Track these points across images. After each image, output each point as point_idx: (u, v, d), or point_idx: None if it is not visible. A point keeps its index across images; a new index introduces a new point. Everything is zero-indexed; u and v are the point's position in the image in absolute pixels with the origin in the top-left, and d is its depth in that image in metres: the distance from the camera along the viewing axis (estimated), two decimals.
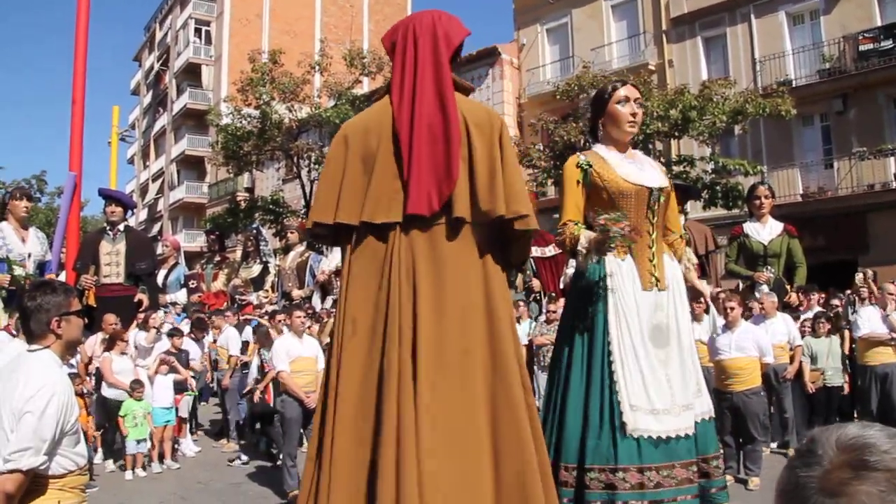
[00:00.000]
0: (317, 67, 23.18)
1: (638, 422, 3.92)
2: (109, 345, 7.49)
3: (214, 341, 9.39)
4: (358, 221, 3.11)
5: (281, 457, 6.62)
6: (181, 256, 12.27)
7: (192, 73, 46.29)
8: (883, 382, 7.94)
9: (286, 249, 10.78)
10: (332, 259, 10.04)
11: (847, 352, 8.63)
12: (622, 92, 4.35)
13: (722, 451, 4.23)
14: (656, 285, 4.19)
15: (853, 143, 20.96)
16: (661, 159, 20.36)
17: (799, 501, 1.08)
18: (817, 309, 8.95)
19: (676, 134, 19.16)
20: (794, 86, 21.13)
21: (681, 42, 24.39)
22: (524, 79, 28.10)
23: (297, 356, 6.55)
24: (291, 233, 10.63)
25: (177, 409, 7.97)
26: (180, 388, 8.13)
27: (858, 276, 11.96)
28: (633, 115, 4.32)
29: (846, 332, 8.68)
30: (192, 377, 8.54)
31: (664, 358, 4.10)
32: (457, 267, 3.05)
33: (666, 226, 4.40)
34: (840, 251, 19.94)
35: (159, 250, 12.35)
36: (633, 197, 4.19)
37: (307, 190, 23.42)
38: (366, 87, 29.04)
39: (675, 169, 19.45)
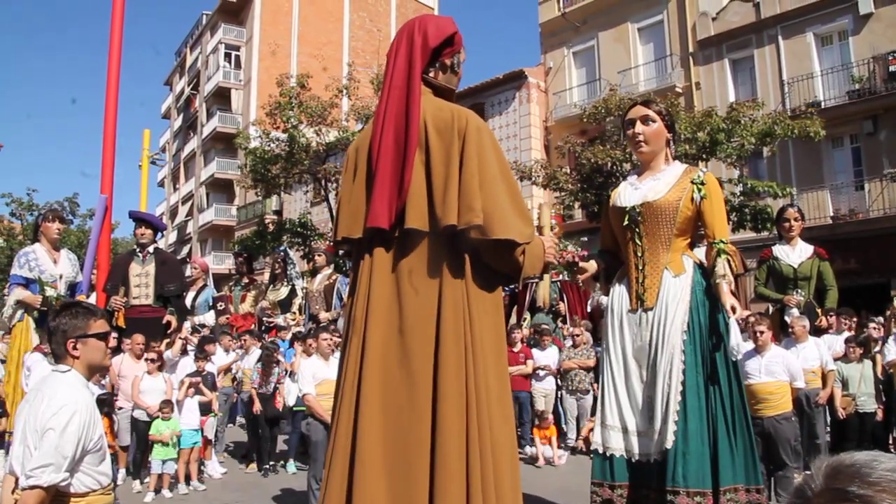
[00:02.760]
0: (344, 91, 23.36)
1: (605, 439, 4.13)
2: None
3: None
4: (341, 238, 3.04)
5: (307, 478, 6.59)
6: (210, 278, 12.35)
7: (221, 97, 46.87)
8: None
9: (314, 272, 10.82)
10: None
11: (882, 377, 8.49)
12: (627, 115, 4.60)
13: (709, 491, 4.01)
14: (641, 305, 4.29)
15: (884, 164, 20.73)
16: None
17: None
18: (847, 333, 8.82)
19: (704, 156, 19.03)
20: (823, 107, 20.97)
21: (708, 64, 24.32)
22: (551, 102, 28.14)
23: (322, 379, 6.55)
24: (319, 255, 10.67)
25: (202, 431, 8.01)
26: (205, 409, 8.16)
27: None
28: (636, 135, 4.47)
29: (878, 357, 8.55)
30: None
31: (650, 379, 4.15)
32: (410, 281, 2.83)
33: (708, 233, 4.39)
34: (872, 274, 19.67)
35: (188, 272, 12.47)
36: (617, 219, 4.49)
37: (335, 213, 23.54)
38: None
39: None
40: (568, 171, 20.81)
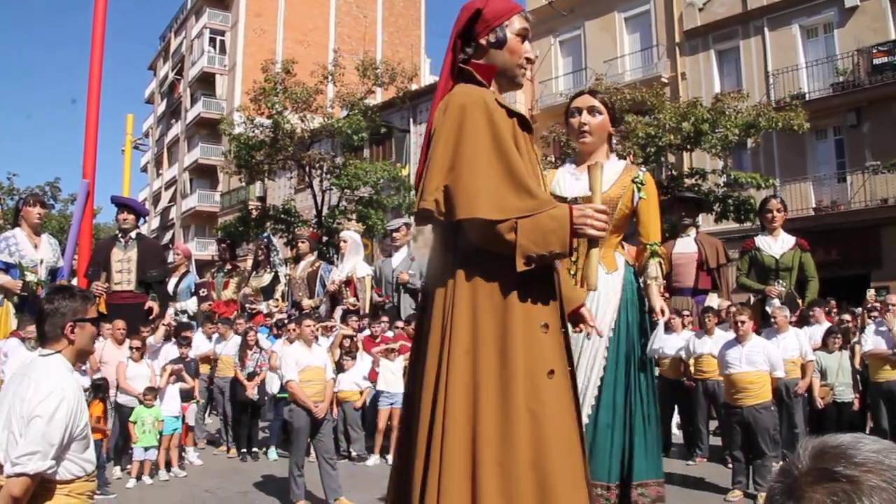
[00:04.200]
0: (330, 77, 23.25)
1: None
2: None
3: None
4: None
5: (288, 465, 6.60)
6: (192, 265, 12.28)
7: (206, 83, 46.60)
8: (889, 399, 7.86)
9: (297, 259, 10.80)
10: (343, 269, 10.06)
11: (860, 367, 8.57)
12: (573, 104, 4.42)
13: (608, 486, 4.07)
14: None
15: (867, 156, 20.86)
16: (673, 172, 20.36)
17: (770, 500, 1.11)
18: (826, 323, 8.89)
19: (689, 147, 19.10)
20: (807, 99, 21.07)
21: (694, 55, 24.37)
22: (537, 90, 28.13)
23: (305, 365, 6.54)
24: (302, 242, 10.65)
25: (183, 418, 7.99)
26: (187, 396, 8.15)
27: (870, 293, 11.90)
28: (581, 125, 4.33)
29: (857, 348, 8.62)
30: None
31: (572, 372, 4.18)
32: (430, 263, 2.93)
33: (640, 232, 4.40)
34: (853, 266, 19.83)
35: (170, 258, 12.37)
36: None
37: (318, 200, 23.47)
38: (379, 97, 29.13)
39: (688, 182, 19.40)
40: (553, 159, 20.82)
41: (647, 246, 4.45)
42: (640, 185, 4.36)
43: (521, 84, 3.00)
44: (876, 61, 20.52)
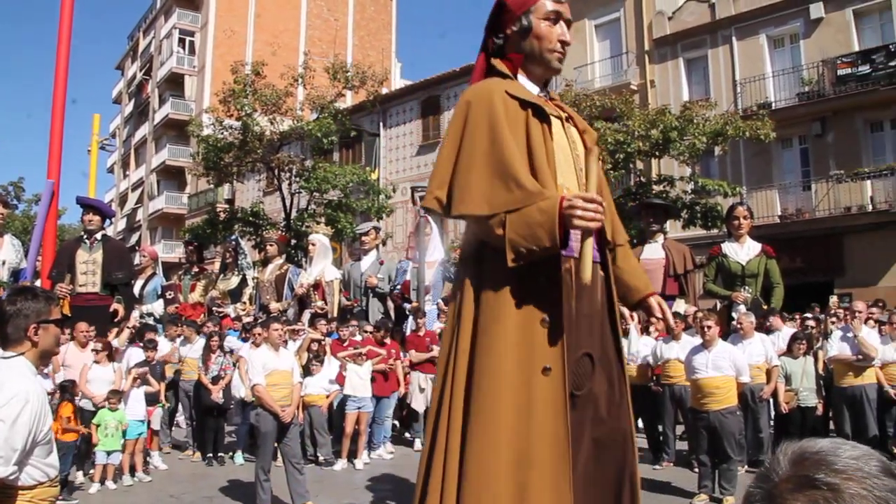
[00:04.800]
0: (300, 80, 23.14)
1: None
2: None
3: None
4: None
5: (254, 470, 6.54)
6: (159, 267, 12.16)
7: (174, 83, 46.19)
8: (853, 404, 7.98)
9: (265, 262, 10.73)
10: (311, 272, 10.01)
11: (823, 373, 8.69)
12: None
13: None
14: None
15: (831, 165, 21.17)
16: (642, 178, 20.53)
17: None
18: (785, 329, 9.03)
19: (657, 154, 19.26)
20: (773, 108, 21.34)
21: (663, 63, 24.58)
22: None
23: (273, 369, 6.49)
24: (270, 245, 10.58)
25: (149, 422, 7.89)
26: (152, 400, 8.05)
27: (833, 300, 12.07)
28: None
29: (820, 354, 8.74)
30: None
31: None
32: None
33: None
34: (817, 272, 20.10)
35: (137, 260, 12.24)
36: None
37: (287, 202, 23.34)
38: (349, 100, 29.06)
39: (656, 188, 19.56)
40: None
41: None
42: None
43: (556, 68, 2.92)
44: (840, 72, 20.84)
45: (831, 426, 8.70)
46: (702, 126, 18.42)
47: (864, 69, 20.48)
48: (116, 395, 7.24)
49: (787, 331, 9.00)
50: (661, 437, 8.24)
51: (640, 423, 8.66)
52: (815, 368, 8.38)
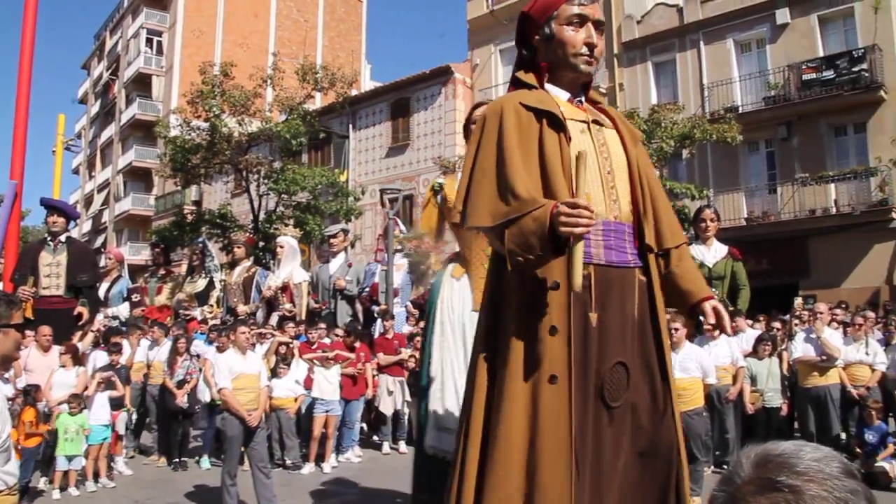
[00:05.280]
0: (269, 81, 23.00)
1: (440, 441, 3.90)
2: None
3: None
4: None
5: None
6: (125, 269, 12.01)
7: (142, 84, 45.71)
8: (817, 404, 8.10)
9: (232, 264, 10.65)
10: (279, 275, 9.95)
11: (788, 374, 8.80)
12: (475, 113, 4.34)
13: None
14: None
15: (796, 168, 21.42)
16: None
17: None
18: (750, 331, 9.13)
19: None
20: (740, 112, 21.56)
21: (632, 66, 24.74)
22: (476, 98, 28.23)
23: (239, 373, 6.42)
24: (238, 247, 10.50)
25: (113, 426, 7.78)
26: (117, 404, 7.94)
27: (797, 301, 12.21)
28: None
29: (784, 355, 8.85)
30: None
31: None
32: None
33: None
34: (782, 275, 20.32)
35: (102, 262, 12.08)
36: None
37: (255, 204, 23.18)
38: (318, 102, 28.94)
39: None
40: None
41: None
42: None
43: (584, 72, 2.86)
44: (805, 77, 21.10)
45: (796, 426, 8.81)
46: (670, 129, 18.58)
47: (829, 74, 20.77)
48: (77, 400, 7.13)
49: (751, 332, 9.09)
50: None
51: None
52: (780, 369, 8.49)
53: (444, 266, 4.33)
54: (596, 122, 2.88)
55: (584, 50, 2.81)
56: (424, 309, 4.60)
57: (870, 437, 7.69)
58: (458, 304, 4.09)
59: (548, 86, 2.89)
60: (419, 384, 4.24)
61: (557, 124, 2.75)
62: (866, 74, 20.24)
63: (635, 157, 2.83)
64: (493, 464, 2.56)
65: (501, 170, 2.66)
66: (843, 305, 11.35)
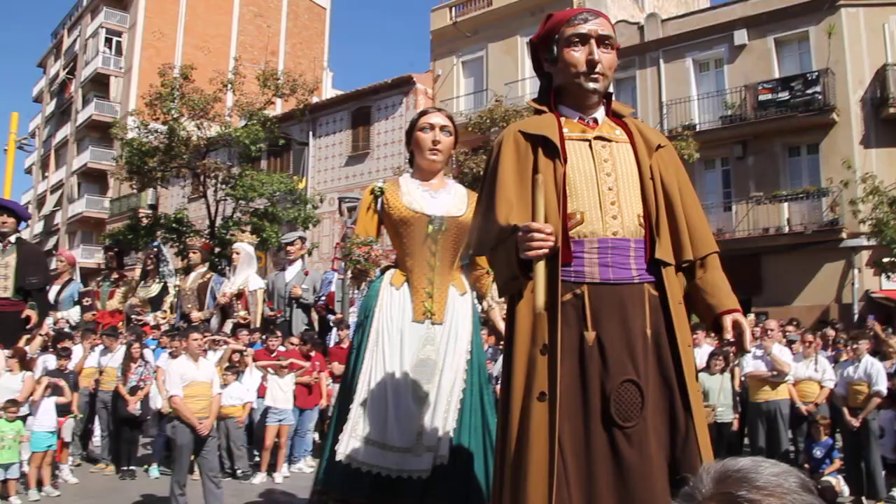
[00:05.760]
0: (229, 86, 22.81)
1: (356, 452, 3.76)
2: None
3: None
4: None
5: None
6: (76, 272, 11.80)
7: (99, 84, 45.01)
8: (768, 418, 8.23)
9: (187, 270, 10.51)
10: (235, 281, 9.84)
11: (738, 388, 8.91)
12: (427, 119, 4.28)
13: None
14: (430, 318, 4.05)
15: (751, 187, 21.79)
16: None
17: None
18: (707, 346, 9.24)
19: None
20: (697, 130, 21.88)
21: None
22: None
23: (191, 380, 6.34)
24: (194, 252, 10.37)
25: (59, 433, 7.61)
26: (64, 410, 7.77)
27: (749, 318, 12.35)
28: (435, 142, 4.24)
29: (736, 370, 8.97)
30: None
31: (424, 395, 3.92)
32: None
33: (476, 260, 4.31)
34: (736, 291, 20.15)
35: (53, 265, 11.86)
36: (413, 224, 4.11)
37: (212, 210, 22.93)
38: (278, 108, 28.76)
39: None
40: (451, 178, 20.92)
41: (489, 271, 4.33)
42: None
43: (589, 89, 2.83)
44: (761, 97, 21.51)
45: (746, 441, 8.92)
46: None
47: (784, 96, 21.19)
48: (14, 406, 6.93)
49: (705, 348, 9.20)
50: None
51: None
52: (731, 384, 8.60)
53: (379, 273, 4.21)
54: (601, 138, 2.85)
55: (584, 68, 2.81)
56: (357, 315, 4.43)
57: (817, 452, 7.84)
58: (398, 314, 4.00)
59: (561, 107, 2.91)
60: (345, 389, 4.06)
61: (551, 148, 2.76)
62: (819, 97, 20.70)
63: (649, 167, 2.80)
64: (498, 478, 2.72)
65: (491, 200, 2.73)
66: (795, 322, 11.54)
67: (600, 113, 2.92)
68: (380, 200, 4.19)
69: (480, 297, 4.44)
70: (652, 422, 2.59)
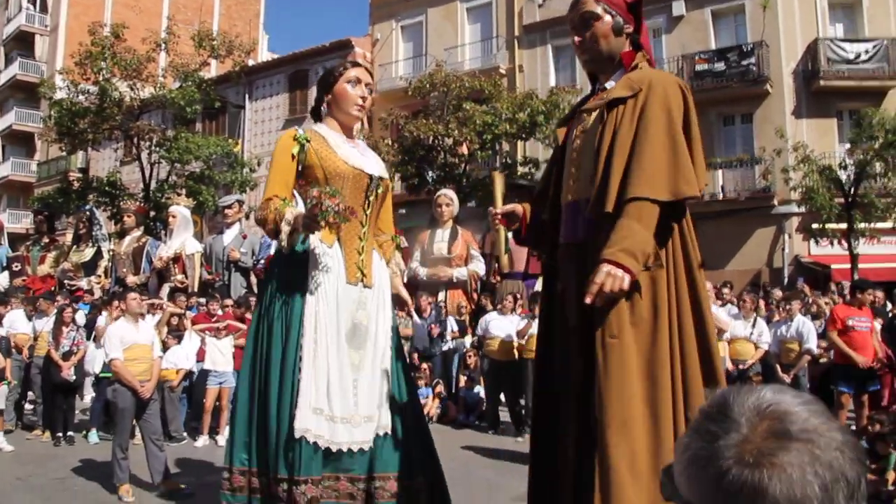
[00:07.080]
0: (163, 46, 22.22)
1: (312, 424, 3.52)
2: None
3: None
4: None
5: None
6: (4, 237, 11.47)
7: (23, 42, 43.33)
8: None
9: (122, 234, 10.31)
10: (171, 245, 9.67)
11: None
12: (353, 73, 4.00)
13: (401, 474, 3.69)
14: (362, 280, 3.84)
15: None
16: (508, 160, 20.91)
17: (714, 472, 0.95)
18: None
19: (524, 136, 19.68)
20: None
21: (532, 48, 25.04)
22: (376, 73, 28.02)
23: (131, 343, 6.22)
24: (128, 216, 10.19)
25: None
26: None
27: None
28: (363, 98, 4.00)
29: None
30: None
31: (358, 361, 3.74)
32: None
33: (378, 225, 4.14)
34: None
35: None
36: (350, 180, 3.82)
37: (147, 173, 22.42)
38: (214, 70, 28.15)
39: (521, 170, 19.97)
40: (390, 142, 20.86)
41: (393, 238, 4.24)
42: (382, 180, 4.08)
43: (583, 61, 3.55)
44: (698, 67, 21.87)
45: None
46: (567, 110, 18.90)
47: (720, 66, 21.60)
48: None
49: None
50: (522, 411, 8.45)
51: (503, 398, 8.88)
52: None
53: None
54: (584, 111, 3.19)
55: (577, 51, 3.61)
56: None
57: None
58: (333, 274, 3.74)
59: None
60: (266, 357, 3.72)
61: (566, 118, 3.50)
62: (754, 68, 21.15)
63: (604, 127, 2.91)
64: None
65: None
66: (729, 285, 11.84)
67: (611, 81, 3.22)
68: (304, 149, 3.81)
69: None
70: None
